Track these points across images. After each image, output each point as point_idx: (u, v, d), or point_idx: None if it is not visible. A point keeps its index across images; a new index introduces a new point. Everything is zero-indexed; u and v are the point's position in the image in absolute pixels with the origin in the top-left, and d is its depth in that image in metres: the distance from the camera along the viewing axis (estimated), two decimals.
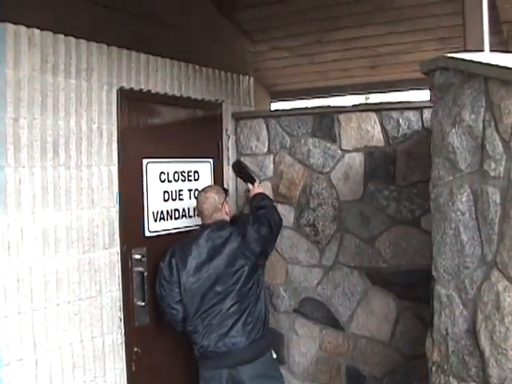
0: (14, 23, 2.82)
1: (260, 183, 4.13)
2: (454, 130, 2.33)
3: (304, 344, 4.13)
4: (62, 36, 3.06)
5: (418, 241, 3.65)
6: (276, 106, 5.02)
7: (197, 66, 3.94)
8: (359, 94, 4.75)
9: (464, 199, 2.31)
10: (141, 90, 3.54)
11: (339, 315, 3.95)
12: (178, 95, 3.81)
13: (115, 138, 3.37)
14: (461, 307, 2.37)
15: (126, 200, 3.44)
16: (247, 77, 4.47)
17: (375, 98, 4.58)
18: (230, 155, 4.27)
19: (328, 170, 3.94)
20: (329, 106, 3.96)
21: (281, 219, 3.58)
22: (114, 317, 3.41)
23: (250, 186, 3.80)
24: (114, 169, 3.38)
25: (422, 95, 4.34)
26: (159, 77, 3.66)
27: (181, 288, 3.32)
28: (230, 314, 3.25)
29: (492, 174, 2.09)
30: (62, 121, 3.07)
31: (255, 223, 3.38)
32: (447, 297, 2.44)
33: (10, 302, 2.82)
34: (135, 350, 3.52)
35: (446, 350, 2.45)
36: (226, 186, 4.18)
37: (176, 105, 3.82)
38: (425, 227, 3.61)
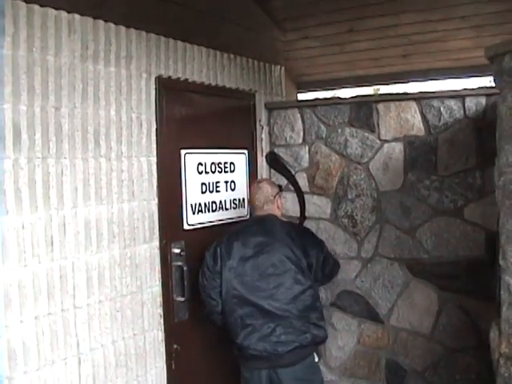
0: (55, 8, 2.71)
1: (295, 174, 4.06)
2: None
3: (342, 338, 4.05)
4: (101, 22, 2.95)
5: (460, 231, 3.58)
6: (303, 96, 4.92)
7: (231, 55, 3.85)
8: (389, 83, 4.64)
9: None
10: (178, 78, 3.44)
11: (379, 308, 3.87)
12: (214, 84, 3.71)
13: (154, 129, 3.27)
14: None
15: (165, 192, 3.34)
16: (278, 66, 4.38)
17: (405, 87, 4.48)
18: (263, 146, 4.18)
19: (366, 160, 3.85)
20: (367, 95, 3.86)
21: (339, 265, 3.59)
22: (154, 313, 3.31)
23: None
24: (153, 160, 3.28)
25: (458, 84, 4.26)
26: (196, 65, 3.55)
27: (222, 278, 3.19)
28: (272, 316, 3.07)
29: None
30: (102, 110, 2.97)
31: (316, 238, 3.36)
32: None
33: (53, 300, 2.72)
34: (175, 347, 3.43)
35: None
36: (260, 177, 4.10)
37: (212, 94, 3.72)
38: (468, 217, 3.56)
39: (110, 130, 3.01)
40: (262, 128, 4.16)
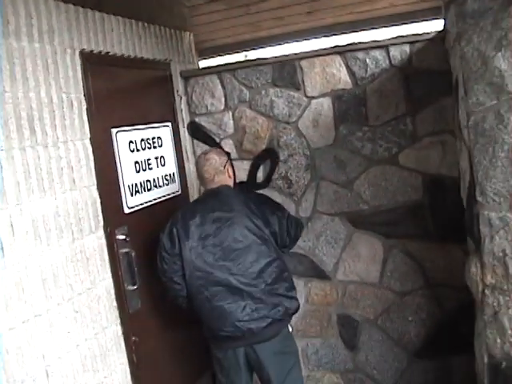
0: None
1: (220, 141, 3.95)
2: (499, 54, 2.33)
3: None
4: None
5: (397, 178, 3.66)
6: (205, 63, 4.74)
7: (145, 24, 3.60)
8: (295, 41, 4.60)
9: None
10: (100, 52, 3.17)
11: (324, 265, 3.89)
12: (133, 56, 3.47)
13: (84, 108, 3.00)
14: None
15: (103, 176, 3.09)
16: (188, 33, 4.18)
17: (315, 44, 4.46)
18: (184, 117, 3.99)
19: (295, 118, 3.81)
20: (289, 54, 3.79)
21: (302, 225, 3.47)
22: (110, 307, 3.09)
23: None
24: (88, 143, 3.01)
25: (363, 36, 4.31)
26: (115, 37, 3.29)
27: (183, 260, 3.00)
28: (241, 294, 2.92)
29: None
30: (32, 92, 2.65)
31: (274, 204, 3.22)
32: (500, 219, 2.45)
33: (13, 312, 2.42)
34: (133, 339, 3.22)
35: (505, 270, 2.47)
36: (184, 150, 3.93)
37: (132, 67, 3.49)
38: (403, 164, 3.65)
39: (43, 114, 2.70)
40: (181, 98, 3.97)
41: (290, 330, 3.15)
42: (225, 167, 3.15)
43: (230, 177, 3.18)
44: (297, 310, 3.12)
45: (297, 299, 3.10)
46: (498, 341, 2.54)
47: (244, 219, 2.99)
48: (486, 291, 2.56)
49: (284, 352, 3.06)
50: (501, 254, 2.47)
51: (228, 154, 3.29)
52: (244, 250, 2.96)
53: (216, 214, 3.01)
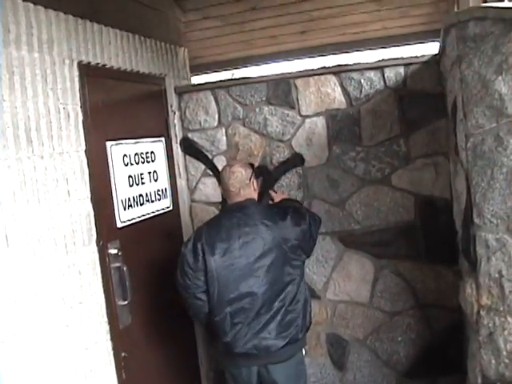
0: None
1: (213, 158, 3.94)
2: (500, 78, 2.36)
3: None
4: (19, 1, 2.59)
5: (389, 199, 3.68)
6: (197, 79, 4.75)
7: (142, 38, 3.60)
8: (288, 60, 4.64)
9: None
10: (97, 64, 3.15)
11: (314, 284, 3.88)
12: (129, 69, 3.46)
13: (80, 120, 2.97)
14: None
15: (97, 189, 3.06)
16: (182, 48, 4.18)
17: (307, 63, 4.50)
18: (177, 132, 3.98)
19: (289, 137, 3.82)
20: (284, 72, 3.81)
21: (320, 219, 3.28)
22: (101, 322, 3.03)
23: (272, 193, 3.59)
24: (83, 155, 2.98)
25: (356, 57, 4.37)
26: (112, 50, 3.28)
27: (207, 276, 2.92)
28: (262, 311, 2.88)
29: None
30: (30, 102, 2.62)
31: (295, 214, 3.04)
32: (497, 240, 2.47)
33: (4, 324, 2.37)
34: (123, 355, 3.17)
35: (501, 291, 2.49)
36: (176, 165, 3.92)
37: (128, 80, 3.47)
38: (396, 184, 3.67)
39: (40, 125, 2.67)
40: (175, 113, 3.96)
41: (304, 353, 3.13)
42: (250, 180, 3.06)
43: (254, 190, 3.11)
44: (310, 326, 3.11)
45: (310, 315, 3.10)
46: (493, 361, 2.54)
47: (269, 236, 2.92)
48: (482, 312, 2.57)
49: (297, 375, 3.04)
50: (497, 275, 2.48)
51: (252, 165, 3.19)
52: (268, 266, 2.90)
53: (242, 229, 2.93)
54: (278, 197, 3.52)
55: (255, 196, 3.11)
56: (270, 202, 3.52)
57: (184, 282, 2.99)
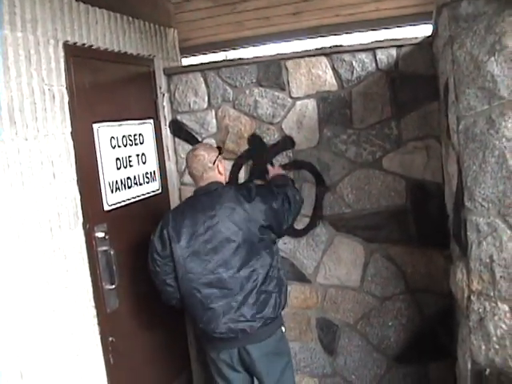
0: None
1: (202, 140, 3.90)
2: (492, 59, 2.32)
3: None
4: None
5: (380, 182, 3.63)
6: (188, 61, 4.68)
7: (130, 18, 3.52)
8: (280, 42, 4.57)
9: (510, 125, 2.31)
10: (83, 44, 3.09)
11: (304, 268, 3.84)
12: (117, 50, 3.40)
13: (66, 101, 2.92)
14: (508, 232, 2.39)
15: (83, 172, 3.02)
16: (172, 29, 4.10)
17: (300, 45, 4.43)
18: (166, 115, 3.92)
19: (279, 119, 3.76)
20: (274, 54, 3.75)
21: (302, 200, 3.27)
22: (88, 306, 3.01)
23: (269, 166, 3.58)
24: (69, 137, 2.93)
25: (349, 39, 4.30)
26: (99, 30, 3.21)
27: (175, 262, 2.93)
28: (234, 294, 2.88)
29: None
30: (14, 82, 2.57)
31: (266, 194, 3.01)
32: (488, 225, 2.44)
33: None
34: (110, 339, 3.14)
35: (492, 276, 2.46)
36: (165, 148, 3.87)
37: (115, 61, 3.41)
38: (387, 168, 3.61)
39: (23, 106, 2.62)
40: (163, 95, 3.90)
41: (283, 330, 3.11)
42: (214, 163, 3.04)
43: (220, 173, 3.08)
44: (285, 304, 3.08)
45: (286, 294, 3.07)
46: (483, 347, 2.52)
47: (235, 217, 2.90)
48: (472, 297, 2.54)
49: (277, 353, 3.03)
50: (488, 260, 2.45)
51: (219, 148, 3.17)
52: (236, 249, 2.89)
53: (206, 213, 2.92)
54: (273, 171, 3.52)
55: (221, 179, 3.08)
56: (266, 175, 3.57)
57: (154, 269, 3.02)
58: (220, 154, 3.11)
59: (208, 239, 2.89)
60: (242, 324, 2.87)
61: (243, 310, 2.88)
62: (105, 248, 3.15)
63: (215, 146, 3.37)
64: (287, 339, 3.17)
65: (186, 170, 3.29)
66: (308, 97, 3.69)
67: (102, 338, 3.08)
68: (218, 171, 3.08)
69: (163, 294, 3.09)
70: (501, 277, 2.43)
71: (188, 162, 3.07)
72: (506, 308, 2.43)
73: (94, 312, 3.04)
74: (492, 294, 2.47)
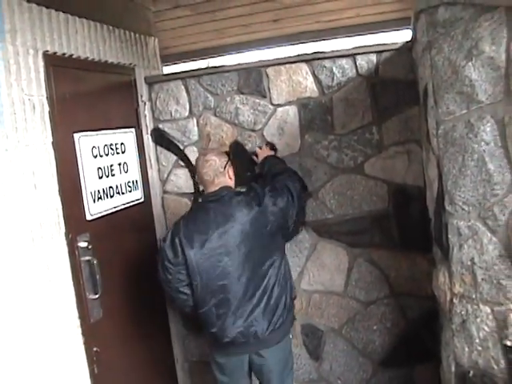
0: None
1: (184, 148, 3.89)
2: (470, 63, 2.35)
3: None
4: None
5: (362, 187, 3.65)
6: (169, 69, 4.67)
7: (110, 27, 3.52)
8: (261, 49, 4.58)
9: (488, 129, 2.34)
10: (64, 54, 3.08)
11: None
12: (97, 59, 3.38)
13: (47, 111, 2.91)
14: (489, 235, 2.41)
15: (65, 182, 3.00)
16: (152, 38, 4.10)
17: (280, 52, 4.45)
18: (147, 123, 3.91)
19: (260, 126, 3.77)
20: (255, 61, 3.76)
21: (304, 185, 3.30)
22: (71, 317, 2.99)
23: (257, 148, 3.61)
24: (50, 147, 2.92)
25: (330, 45, 4.32)
26: (79, 39, 3.20)
27: (188, 269, 2.90)
28: (246, 298, 2.89)
29: None
30: None
31: (272, 194, 2.98)
32: (469, 228, 2.46)
33: None
34: (94, 349, 3.12)
35: (473, 279, 2.48)
36: (147, 156, 3.86)
37: (95, 70, 3.39)
38: (369, 173, 3.64)
39: (3, 116, 2.60)
40: (145, 104, 3.89)
41: (291, 336, 3.17)
42: (225, 168, 3.03)
43: (230, 178, 3.08)
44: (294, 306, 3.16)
45: (295, 297, 3.18)
46: (466, 349, 2.54)
47: (246, 222, 2.89)
48: (454, 300, 2.56)
49: (286, 360, 3.10)
50: (469, 263, 2.48)
51: (228, 154, 3.16)
52: (248, 253, 2.89)
53: (218, 219, 2.90)
54: (262, 153, 3.54)
55: (231, 184, 3.08)
56: (255, 157, 3.62)
57: (166, 277, 2.97)
58: (229, 159, 3.09)
59: (221, 245, 2.88)
60: (254, 328, 2.90)
61: (255, 314, 2.90)
62: (88, 258, 3.13)
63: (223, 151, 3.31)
64: (292, 345, 3.21)
65: (196, 176, 3.27)
66: (289, 103, 3.71)
67: (86, 349, 3.06)
68: (229, 176, 3.06)
69: (176, 302, 3.07)
70: (482, 279, 2.45)
71: (198, 167, 3.04)
72: (488, 310, 2.46)
73: (77, 322, 3.02)
74: (474, 296, 2.49)
